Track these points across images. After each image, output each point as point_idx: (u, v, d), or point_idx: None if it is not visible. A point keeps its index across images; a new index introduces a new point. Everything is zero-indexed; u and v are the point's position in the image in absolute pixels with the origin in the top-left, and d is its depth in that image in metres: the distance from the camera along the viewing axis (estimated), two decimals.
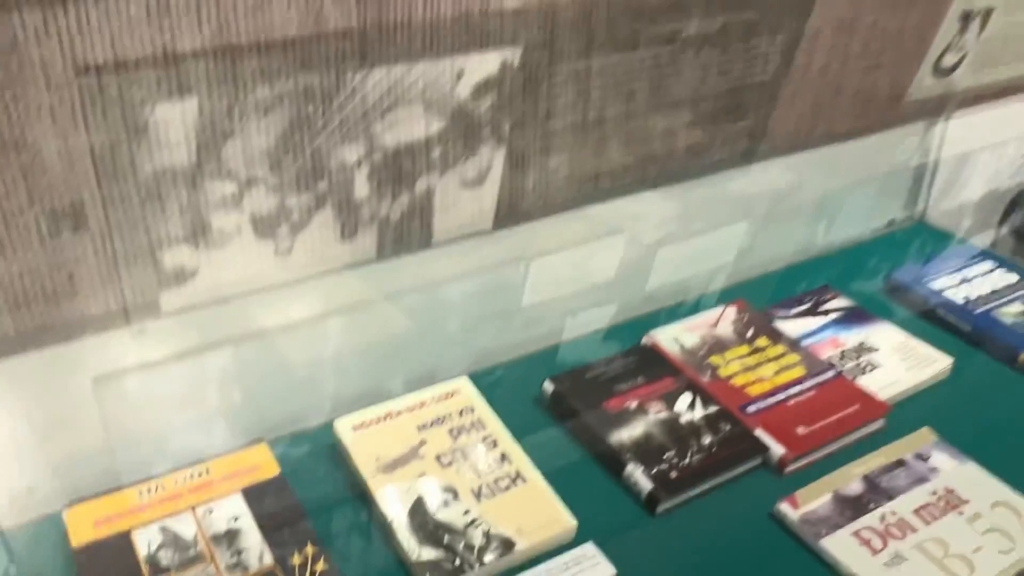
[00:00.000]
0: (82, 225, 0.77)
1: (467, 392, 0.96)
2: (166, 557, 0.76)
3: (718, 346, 1.07)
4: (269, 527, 0.80)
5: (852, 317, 1.14)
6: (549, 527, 0.82)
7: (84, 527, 0.79)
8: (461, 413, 0.93)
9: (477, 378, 0.99)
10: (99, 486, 0.85)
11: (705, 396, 0.98)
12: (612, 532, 0.83)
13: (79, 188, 0.75)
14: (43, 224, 0.75)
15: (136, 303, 0.86)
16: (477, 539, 0.80)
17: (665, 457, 0.89)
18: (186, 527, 0.79)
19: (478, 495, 0.84)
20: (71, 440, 0.89)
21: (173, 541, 0.78)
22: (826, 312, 1.15)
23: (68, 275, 0.79)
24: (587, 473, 0.91)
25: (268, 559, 0.77)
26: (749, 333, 1.09)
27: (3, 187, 0.72)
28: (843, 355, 1.07)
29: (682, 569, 0.79)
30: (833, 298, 1.18)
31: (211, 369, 0.96)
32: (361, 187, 0.92)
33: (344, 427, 0.90)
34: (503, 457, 0.88)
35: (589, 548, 0.82)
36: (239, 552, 0.77)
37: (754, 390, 1.00)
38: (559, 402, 0.98)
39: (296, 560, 0.77)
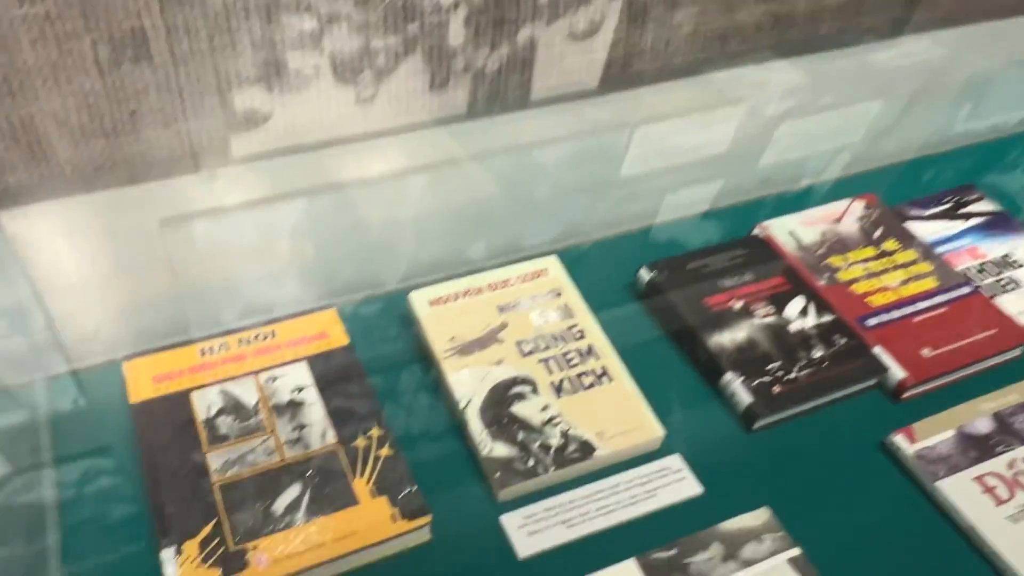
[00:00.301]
0: (143, 56, 0.69)
1: (555, 273, 0.88)
2: (225, 424, 0.72)
3: (840, 245, 0.95)
4: (334, 403, 0.74)
5: (997, 224, 1.00)
6: (633, 434, 0.75)
7: (143, 382, 0.75)
8: (547, 296, 0.85)
9: (566, 255, 0.90)
10: (161, 337, 0.80)
11: (820, 302, 0.87)
12: (702, 445, 0.76)
13: (139, 14, 0.66)
14: (101, 52, 0.67)
15: (204, 146, 0.79)
16: (554, 439, 0.73)
17: (768, 368, 0.80)
18: (247, 393, 0.75)
19: (559, 390, 0.77)
20: (135, 285, 0.85)
21: (233, 407, 0.74)
22: (967, 216, 1.01)
23: (130, 111, 0.72)
24: (679, 377, 0.83)
25: (331, 438, 0.72)
26: (877, 233, 0.97)
27: (55, 8, 0.63)
28: (983, 268, 0.94)
29: (776, 494, 0.72)
30: (977, 200, 1.03)
31: (283, 222, 0.90)
32: (456, 33, 0.80)
33: (420, 300, 0.83)
34: (589, 350, 0.81)
35: (675, 460, 0.75)
36: (301, 427, 0.72)
37: (876, 300, 0.88)
38: (655, 292, 0.88)
39: (360, 442, 0.72)
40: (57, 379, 0.78)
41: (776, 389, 0.79)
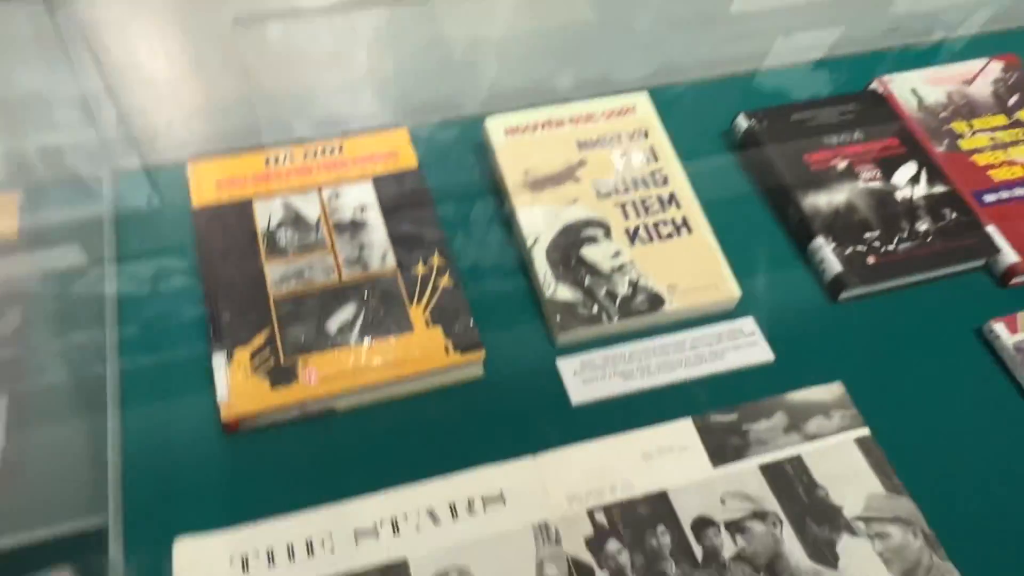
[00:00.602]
0: None
1: (644, 111, 0.81)
2: (285, 236, 0.70)
3: (967, 110, 0.85)
4: (397, 226, 0.71)
5: None
6: (708, 291, 0.70)
7: (206, 185, 0.73)
8: (632, 136, 0.79)
9: (658, 95, 0.83)
10: (227, 139, 0.78)
11: (935, 170, 0.79)
12: (779, 311, 0.71)
13: None
14: None
15: None
16: (622, 288, 0.69)
17: (866, 237, 0.74)
18: (310, 208, 0.72)
19: (633, 237, 0.72)
20: (205, 85, 0.82)
21: (294, 221, 0.71)
22: None
23: None
24: (766, 236, 0.77)
25: (390, 262, 0.69)
26: (1012, 100, 0.86)
27: None
28: None
29: (853, 370, 0.67)
30: None
31: (361, 30, 0.84)
32: None
33: (496, 128, 0.78)
34: (671, 198, 0.75)
35: (748, 323, 0.70)
36: (361, 247, 0.70)
37: (999, 175, 0.80)
38: (751, 143, 0.81)
39: (420, 270, 0.69)
40: (124, 174, 0.77)
41: (870, 259, 0.72)
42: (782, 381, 0.66)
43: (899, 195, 0.77)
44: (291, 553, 0.56)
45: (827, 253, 0.73)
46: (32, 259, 0.72)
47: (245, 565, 0.55)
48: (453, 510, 0.58)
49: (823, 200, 0.76)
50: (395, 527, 0.57)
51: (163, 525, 0.57)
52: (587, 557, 0.57)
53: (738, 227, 0.75)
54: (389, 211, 0.72)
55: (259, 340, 0.64)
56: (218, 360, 0.63)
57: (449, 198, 0.75)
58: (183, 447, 0.62)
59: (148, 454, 0.61)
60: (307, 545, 0.56)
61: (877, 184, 0.77)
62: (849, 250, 0.73)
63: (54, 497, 0.59)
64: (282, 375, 0.62)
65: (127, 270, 0.70)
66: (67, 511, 0.58)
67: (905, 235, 0.74)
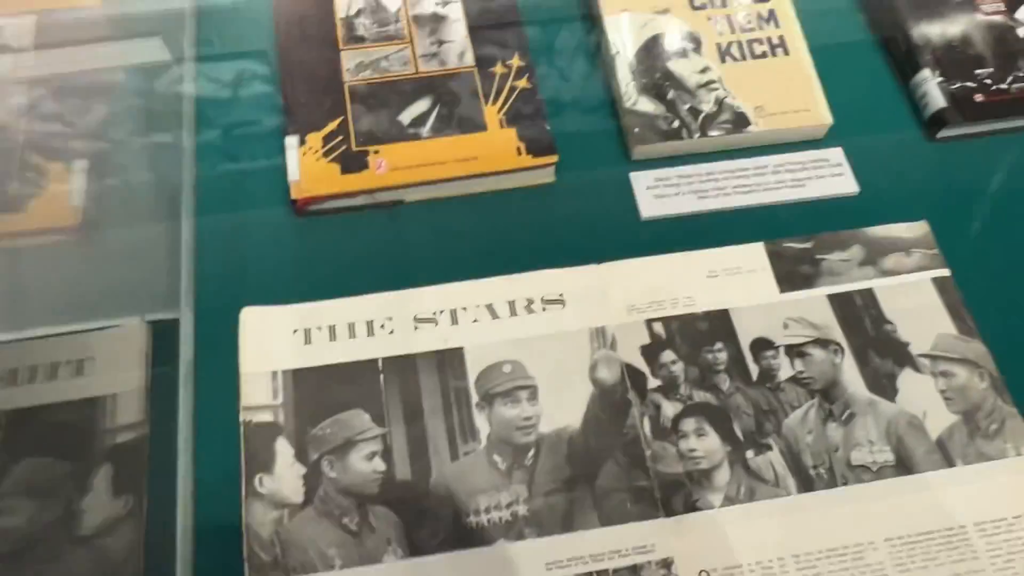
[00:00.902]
0: None
1: None
2: (363, 25, 0.68)
3: None
4: (479, 24, 0.69)
5: None
6: (797, 115, 0.67)
7: None
8: None
9: None
10: None
11: None
12: (871, 144, 0.67)
13: None
14: None
15: None
16: (707, 104, 0.66)
17: (977, 73, 0.68)
18: None
19: (724, 54, 0.68)
20: None
21: (374, 9, 0.69)
22: None
23: None
24: (868, 66, 0.72)
25: (468, 59, 0.67)
26: None
27: None
28: None
29: (941, 211, 0.63)
30: None
31: None
32: None
33: None
34: (770, 16, 0.70)
35: (836, 154, 0.67)
36: (440, 43, 0.68)
37: None
38: None
39: (498, 69, 0.67)
40: None
41: (978, 97, 0.67)
42: (864, 215, 0.64)
43: (1022, 31, 0.70)
44: (352, 331, 0.57)
45: (931, 87, 0.68)
46: (116, 49, 0.72)
47: (308, 337, 0.57)
48: (512, 307, 0.58)
49: (936, 31, 0.70)
50: (454, 317, 0.58)
51: (233, 299, 0.59)
52: (641, 364, 0.57)
53: (839, 53, 0.70)
54: (472, 9, 0.70)
55: (332, 126, 0.64)
56: (291, 143, 0.63)
57: (534, 2, 0.72)
58: (254, 230, 0.63)
59: (221, 236, 0.63)
60: (368, 325, 0.57)
61: (999, 18, 0.71)
62: (956, 85, 0.68)
63: (130, 271, 0.61)
64: (353, 161, 0.62)
65: (205, 57, 0.70)
66: (142, 287, 0.60)
67: (1022, 74, 0.68)
